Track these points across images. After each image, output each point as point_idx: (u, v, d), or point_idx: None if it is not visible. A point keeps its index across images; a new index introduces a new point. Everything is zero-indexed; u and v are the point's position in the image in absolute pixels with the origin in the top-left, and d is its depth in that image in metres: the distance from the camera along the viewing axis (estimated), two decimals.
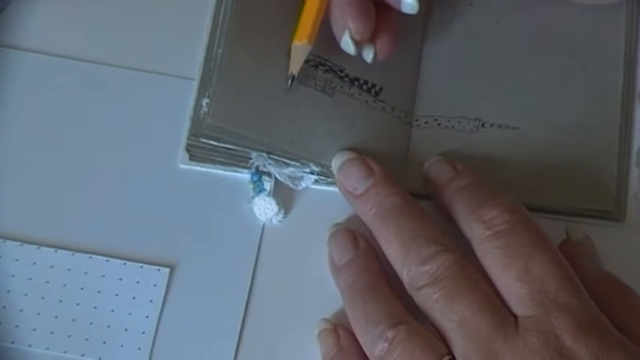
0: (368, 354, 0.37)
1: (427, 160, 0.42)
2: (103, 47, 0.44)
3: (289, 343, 0.40)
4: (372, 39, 0.41)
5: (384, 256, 0.38)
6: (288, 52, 0.42)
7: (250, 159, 0.42)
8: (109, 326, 0.40)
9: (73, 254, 0.41)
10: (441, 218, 0.40)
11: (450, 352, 0.35)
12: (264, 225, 0.42)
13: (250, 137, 0.41)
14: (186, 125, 0.43)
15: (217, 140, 0.41)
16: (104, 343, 0.40)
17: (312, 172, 0.42)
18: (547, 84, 0.44)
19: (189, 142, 0.42)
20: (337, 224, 0.41)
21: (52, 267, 0.41)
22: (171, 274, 0.41)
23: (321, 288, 0.41)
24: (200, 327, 0.40)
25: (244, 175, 0.42)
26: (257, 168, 0.42)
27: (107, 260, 0.41)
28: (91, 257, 0.41)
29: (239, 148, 0.41)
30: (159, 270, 0.41)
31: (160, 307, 0.40)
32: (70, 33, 0.44)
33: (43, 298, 0.40)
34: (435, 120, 0.44)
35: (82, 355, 0.40)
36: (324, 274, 0.41)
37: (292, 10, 0.42)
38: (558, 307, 0.34)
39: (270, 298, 0.41)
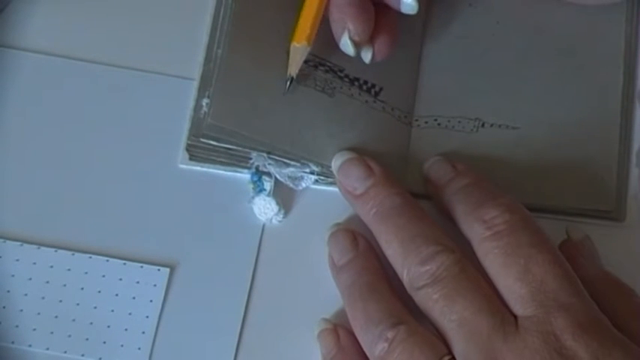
0: (368, 354, 0.37)
1: (427, 160, 0.42)
2: (103, 47, 0.44)
3: (289, 342, 0.40)
4: (370, 40, 0.41)
5: (384, 256, 0.38)
6: (288, 53, 0.42)
7: (250, 159, 0.42)
8: (109, 326, 0.40)
9: (73, 254, 0.41)
10: (441, 218, 0.40)
11: (450, 352, 0.35)
12: (264, 225, 0.42)
13: (250, 137, 0.41)
14: (186, 125, 0.43)
15: (217, 140, 0.41)
16: (104, 343, 0.40)
17: (312, 172, 0.42)
18: (547, 84, 0.44)
19: (189, 142, 0.42)
20: (337, 224, 0.41)
21: (52, 267, 0.41)
22: (171, 274, 0.41)
23: (321, 288, 0.41)
24: (200, 327, 0.40)
25: (244, 175, 0.42)
26: (257, 168, 0.42)
27: (107, 260, 0.41)
28: (91, 257, 0.41)
29: (239, 148, 0.41)
30: (159, 270, 0.41)
31: (159, 307, 0.40)
32: (69, 33, 0.44)
33: (43, 298, 0.40)
34: (435, 120, 0.44)
35: (82, 355, 0.40)
36: (324, 274, 0.41)
37: (292, 10, 0.42)
38: (558, 307, 0.34)
39: (270, 298, 0.41)
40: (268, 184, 0.42)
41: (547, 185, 0.43)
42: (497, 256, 0.36)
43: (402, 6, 0.40)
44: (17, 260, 0.41)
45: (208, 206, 0.42)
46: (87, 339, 0.40)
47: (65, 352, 0.40)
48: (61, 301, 0.40)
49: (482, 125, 0.44)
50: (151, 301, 0.40)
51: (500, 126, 0.44)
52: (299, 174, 0.42)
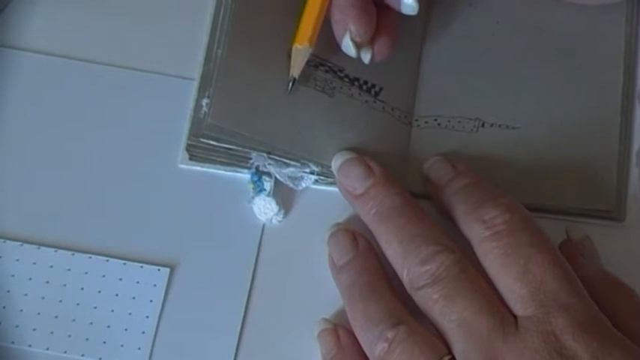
0: (368, 354, 0.37)
1: (427, 160, 0.42)
2: (103, 47, 0.44)
3: (289, 342, 0.40)
4: (370, 41, 0.41)
5: (384, 256, 0.38)
6: (288, 53, 0.42)
7: (250, 159, 0.42)
8: (109, 326, 0.40)
9: (73, 254, 0.41)
10: (441, 218, 0.40)
11: (449, 352, 0.35)
12: (264, 225, 0.42)
13: (250, 137, 0.41)
14: (186, 125, 0.43)
15: (217, 140, 0.41)
16: (104, 343, 0.40)
17: (312, 172, 0.42)
18: (547, 84, 0.44)
19: (189, 142, 0.42)
20: (337, 224, 0.41)
21: (52, 267, 0.41)
22: (171, 274, 0.41)
23: (321, 288, 0.41)
24: (200, 327, 0.40)
25: (244, 175, 0.42)
26: (257, 168, 0.42)
27: (107, 260, 0.41)
28: (91, 257, 0.41)
29: (239, 148, 0.41)
30: (159, 270, 0.41)
31: (159, 307, 0.40)
32: (69, 33, 0.44)
33: (43, 298, 0.40)
34: (435, 120, 0.44)
35: (82, 355, 0.40)
36: (324, 274, 0.41)
37: (292, 10, 0.42)
38: (558, 307, 0.34)
39: (270, 298, 0.41)
40: (268, 184, 0.42)
41: (547, 185, 0.43)
42: (497, 256, 0.36)
43: (402, 7, 0.40)
44: (17, 260, 0.41)
45: (208, 206, 0.42)
46: (87, 339, 0.40)
47: (65, 352, 0.40)
48: (61, 301, 0.40)
49: (482, 125, 0.44)
50: (151, 301, 0.40)
51: (500, 126, 0.44)
52: (299, 174, 0.42)
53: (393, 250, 0.38)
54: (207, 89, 0.42)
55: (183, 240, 0.42)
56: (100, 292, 0.40)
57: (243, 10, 0.43)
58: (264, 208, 0.42)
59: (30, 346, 0.40)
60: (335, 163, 0.41)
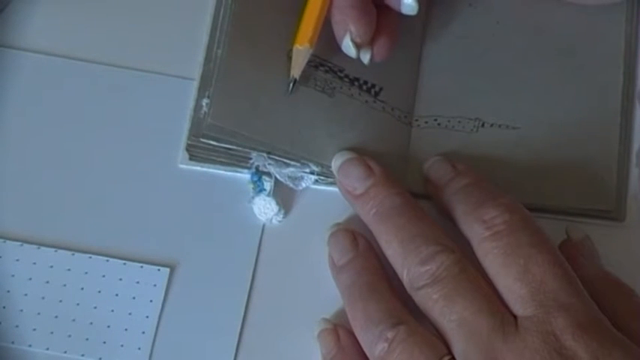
0: (368, 354, 0.37)
1: (427, 160, 0.42)
2: (103, 47, 0.44)
3: (289, 342, 0.40)
4: (370, 41, 0.41)
5: (384, 256, 0.38)
6: (288, 53, 0.42)
7: (250, 159, 0.42)
8: (109, 326, 0.40)
9: (73, 254, 0.41)
10: (441, 218, 0.40)
11: (449, 352, 0.35)
12: (264, 225, 0.42)
13: (250, 137, 0.41)
14: (186, 125, 0.43)
15: (217, 140, 0.41)
16: (104, 343, 0.40)
17: (312, 172, 0.42)
18: (547, 84, 0.44)
19: (189, 142, 0.42)
20: (337, 224, 0.41)
21: (52, 267, 0.41)
22: (171, 274, 0.41)
23: (321, 288, 0.41)
24: (200, 327, 0.40)
25: (244, 175, 0.42)
26: (257, 168, 0.42)
27: (107, 260, 0.41)
28: (91, 257, 0.41)
29: (239, 148, 0.41)
30: (159, 270, 0.41)
31: (159, 307, 0.40)
32: (69, 33, 0.44)
33: (43, 298, 0.40)
34: (435, 120, 0.44)
35: (82, 355, 0.40)
36: (324, 274, 0.41)
37: (292, 10, 0.42)
38: (558, 307, 0.34)
39: (270, 298, 0.41)
40: (268, 184, 0.42)
41: (547, 185, 0.43)
42: (497, 256, 0.36)
43: (402, 7, 0.40)
44: (17, 260, 0.41)
45: (208, 206, 0.42)
46: (87, 339, 0.40)
47: (65, 352, 0.40)
48: (61, 301, 0.40)
49: (482, 125, 0.44)
50: (151, 301, 0.40)
51: (500, 126, 0.44)
52: (299, 174, 0.42)
53: (393, 250, 0.38)
54: (207, 89, 0.42)
55: (183, 240, 0.42)
56: (100, 292, 0.40)
57: (243, 10, 0.43)
58: (264, 208, 0.42)
59: (30, 346, 0.40)
60: (335, 163, 0.41)
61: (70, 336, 0.40)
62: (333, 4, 0.41)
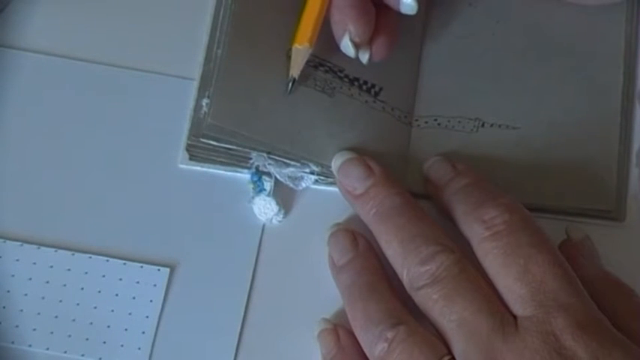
0: (368, 354, 0.37)
1: (427, 160, 0.42)
2: (102, 47, 0.44)
3: (289, 342, 0.40)
4: (369, 40, 0.41)
5: (384, 256, 0.38)
6: (288, 53, 0.42)
7: (250, 159, 0.42)
8: (109, 326, 0.40)
9: (73, 254, 0.41)
10: (441, 218, 0.40)
11: (449, 352, 0.35)
12: (264, 225, 0.42)
13: (250, 137, 0.41)
14: (186, 125, 0.43)
15: (217, 140, 0.41)
16: (104, 343, 0.40)
17: (312, 172, 0.42)
18: (547, 84, 0.44)
19: (189, 142, 0.42)
20: (337, 224, 0.41)
21: (51, 267, 0.41)
22: (171, 274, 0.41)
23: (321, 288, 0.41)
24: (200, 327, 0.40)
25: (244, 175, 0.42)
26: (257, 168, 0.42)
27: (107, 260, 0.41)
28: (91, 257, 0.41)
29: (239, 148, 0.41)
30: (159, 270, 0.41)
31: (160, 307, 0.40)
32: (69, 33, 0.44)
33: (43, 298, 0.40)
34: (435, 120, 0.44)
35: (82, 355, 0.40)
36: (324, 274, 0.41)
37: (292, 10, 0.42)
38: (558, 307, 0.34)
39: (270, 298, 0.41)
40: (268, 184, 0.42)
41: (547, 185, 0.43)
42: (497, 256, 0.36)
43: (401, 6, 0.40)
44: (17, 260, 0.41)
45: (208, 206, 0.42)
46: (87, 339, 0.40)
47: (65, 352, 0.40)
48: (61, 301, 0.40)
49: (482, 125, 0.44)
50: (151, 301, 0.40)
51: (500, 126, 0.44)
52: (299, 174, 0.42)
53: (393, 250, 0.38)
54: (207, 89, 0.42)
55: (183, 240, 0.42)
56: (100, 292, 0.40)
57: (243, 10, 0.43)
58: (264, 208, 0.42)
59: (30, 346, 0.40)
60: (335, 163, 0.41)
61: (70, 336, 0.40)
62: (332, 3, 0.41)
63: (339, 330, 0.39)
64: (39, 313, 0.40)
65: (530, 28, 0.45)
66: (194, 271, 0.41)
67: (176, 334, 0.40)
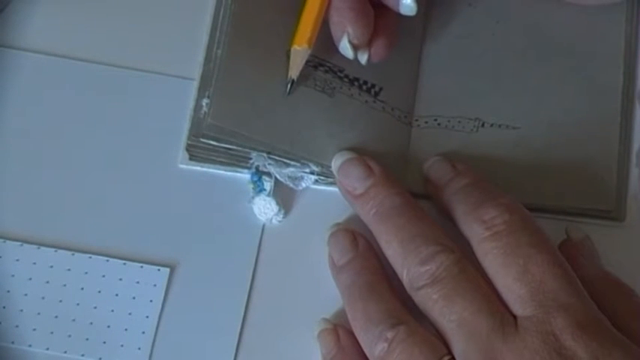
0: (368, 354, 0.37)
1: (427, 160, 0.42)
2: (102, 47, 0.44)
3: (289, 342, 0.40)
4: (367, 42, 0.41)
5: (384, 256, 0.38)
6: (288, 53, 0.42)
7: (250, 159, 0.42)
8: (109, 326, 0.40)
9: (73, 254, 0.41)
10: (441, 218, 0.40)
11: (449, 352, 0.35)
12: (264, 225, 0.42)
13: (250, 137, 0.41)
14: (186, 125, 0.43)
15: (217, 140, 0.41)
16: (104, 343, 0.40)
17: (312, 172, 0.42)
18: (547, 84, 0.44)
19: (189, 142, 0.42)
20: (337, 224, 0.41)
21: (52, 267, 0.41)
22: (171, 274, 0.41)
23: (321, 288, 0.41)
24: (200, 327, 0.40)
25: (244, 175, 0.42)
26: (257, 168, 0.42)
27: (107, 260, 0.41)
28: (90, 257, 0.41)
29: (239, 148, 0.41)
30: (159, 270, 0.41)
31: (160, 307, 0.40)
32: (69, 33, 0.44)
33: (43, 298, 0.40)
34: (435, 120, 0.44)
35: (82, 355, 0.40)
36: (324, 274, 0.41)
37: (292, 10, 0.42)
38: (558, 307, 0.34)
39: (270, 298, 0.41)
40: (268, 184, 0.42)
41: (547, 185, 0.43)
42: (497, 256, 0.36)
43: (401, 7, 0.40)
44: (17, 260, 0.41)
45: (208, 206, 0.42)
46: (87, 339, 0.40)
47: (65, 352, 0.40)
48: (61, 301, 0.40)
49: (482, 125, 0.44)
50: (151, 301, 0.40)
51: (500, 126, 0.44)
52: (299, 174, 0.42)
53: (393, 250, 0.38)
54: (207, 89, 0.42)
55: (183, 240, 0.42)
56: (100, 292, 0.40)
57: (243, 10, 0.43)
58: (264, 208, 0.42)
59: (30, 346, 0.40)
60: (335, 163, 0.41)
61: (70, 336, 0.40)
62: (331, 5, 0.41)
63: (339, 330, 0.39)
64: (39, 313, 0.40)
65: (530, 28, 0.45)
66: (194, 271, 0.41)
67: (176, 334, 0.40)
